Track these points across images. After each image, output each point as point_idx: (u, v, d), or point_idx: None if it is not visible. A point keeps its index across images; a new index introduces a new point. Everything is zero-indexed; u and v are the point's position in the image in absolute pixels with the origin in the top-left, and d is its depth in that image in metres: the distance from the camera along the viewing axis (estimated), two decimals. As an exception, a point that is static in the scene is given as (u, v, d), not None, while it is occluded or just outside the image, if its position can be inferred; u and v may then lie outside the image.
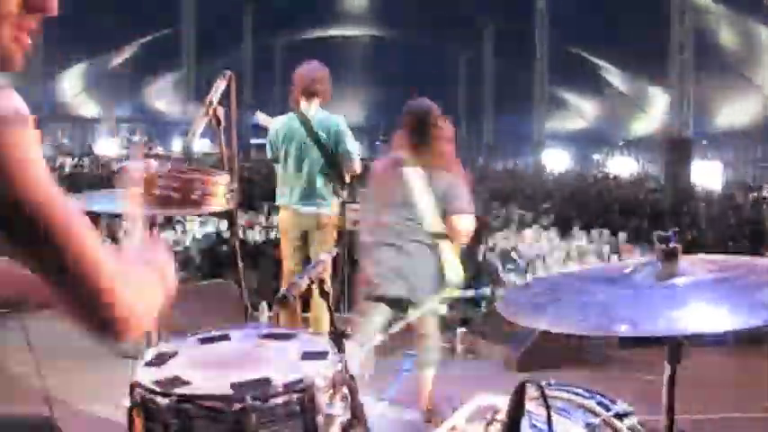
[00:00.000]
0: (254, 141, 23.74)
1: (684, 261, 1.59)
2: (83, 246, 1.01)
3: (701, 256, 1.70)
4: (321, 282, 2.08)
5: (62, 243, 0.99)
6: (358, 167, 4.83)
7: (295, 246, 4.75)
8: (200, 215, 8.55)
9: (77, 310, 1.04)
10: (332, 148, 4.68)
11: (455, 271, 3.81)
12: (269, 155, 4.93)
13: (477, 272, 6.48)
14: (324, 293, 2.12)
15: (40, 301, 1.34)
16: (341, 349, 1.93)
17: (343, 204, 4.93)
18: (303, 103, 4.74)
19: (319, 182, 4.68)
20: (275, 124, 4.84)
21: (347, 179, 4.81)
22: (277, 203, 4.84)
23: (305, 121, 4.68)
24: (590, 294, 1.59)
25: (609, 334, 1.41)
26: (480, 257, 6.94)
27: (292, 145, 4.70)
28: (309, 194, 4.68)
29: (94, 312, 1.03)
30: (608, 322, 1.46)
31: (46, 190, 0.98)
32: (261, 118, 5.16)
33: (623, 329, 1.41)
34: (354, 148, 4.78)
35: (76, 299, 1.03)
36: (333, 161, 4.69)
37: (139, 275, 1.16)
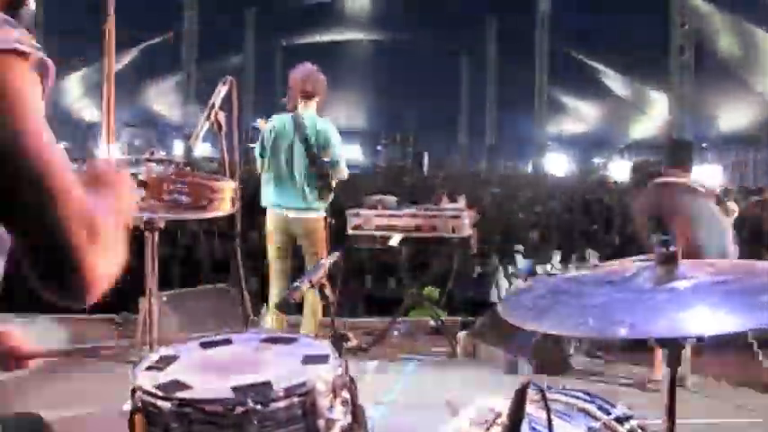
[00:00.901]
0: (254, 146, 23.72)
1: (684, 264, 1.60)
2: (67, 196, 0.99)
3: (701, 259, 1.71)
4: (321, 286, 2.09)
5: (48, 188, 0.98)
6: (344, 173, 4.83)
7: (282, 249, 4.75)
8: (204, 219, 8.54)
9: (48, 265, 1.00)
10: (319, 154, 4.69)
11: None
12: (257, 149, 4.88)
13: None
14: (324, 297, 2.13)
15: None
16: (341, 353, 1.94)
17: (342, 210, 4.94)
18: (300, 106, 4.77)
19: (307, 186, 4.68)
20: (269, 123, 4.85)
21: (333, 184, 4.82)
22: (263, 204, 4.83)
23: (298, 123, 4.70)
24: (590, 297, 1.59)
25: (609, 337, 1.41)
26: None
27: (281, 146, 4.71)
28: (297, 198, 4.67)
29: (66, 271, 1.00)
30: (608, 325, 1.47)
31: (30, 129, 0.98)
32: (262, 124, 5.16)
33: (623, 332, 1.41)
34: (341, 153, 4.79)
35: (50, 253, 0.99)
36: (318, 166, 4.69)
37: (108, 227, 1.06)
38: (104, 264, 1.03)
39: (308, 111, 4.76)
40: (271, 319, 4.68)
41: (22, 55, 1.01)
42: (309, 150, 4.66)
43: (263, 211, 4.84)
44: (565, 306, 1.62)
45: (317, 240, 4.69)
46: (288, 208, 4.69)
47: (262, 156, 4.83)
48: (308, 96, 4.75)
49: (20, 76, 1.00)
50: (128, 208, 1.29)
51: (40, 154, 0.98)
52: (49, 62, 1.07)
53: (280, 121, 4.80)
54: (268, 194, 4.77)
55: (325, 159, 4.69)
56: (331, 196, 4.85)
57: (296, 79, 4.78)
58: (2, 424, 1.55)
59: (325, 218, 4.81)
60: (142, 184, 2.77)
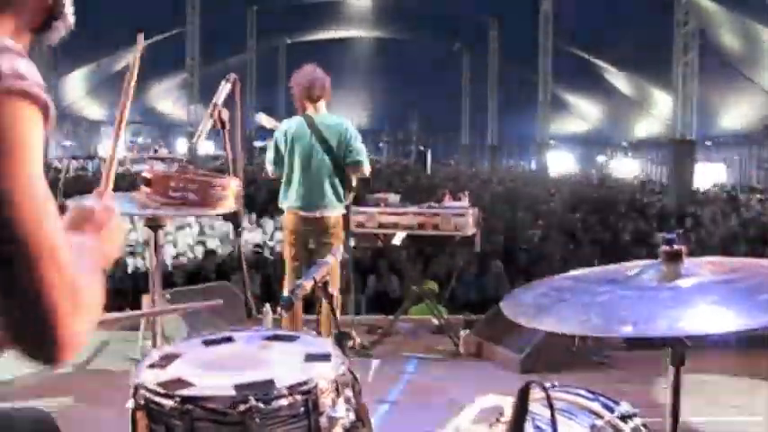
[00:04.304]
0: (258, 144, 23.79)
1: (688, 262, 1.59)
2: (54, 263, 0.92)
3: (705, 257, 1.70)
4: (325, 284, 2.09)
5: (36, 252, 0.90)
6: (367, 170, 4.83)
7: (299, 248, 4.74)
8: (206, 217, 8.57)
9: (25, 329, 0.94)
10: (339, 153, 4.69)
11: None
12: (269, 156, 4.88)
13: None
14: (327, 295, 2.12)
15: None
16: (344, 351, 1.93)
17: (347, 207, 4.94)
18: (308, 107, 4.76)
19: (326, 185, 4.68)
20: (283, 126, 4.81)
21: (354, 183, 4.83)
22: (281, 206, 4.85)
23: (312, 125, 4.68)
24: (594, 295, 1.59)
25: (612, 335, 1.41)
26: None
27: (299, 147, 4.70)
28: (315, 198, 4.67)
29: (44, 340, 0.94)
30: (611, 323, 1.46)
31: (24, 183, 0.90)
32: (263, 119, 5.15)
33: (627, 330, 1.40)
34: (363, 150, 4.79)
35: (29, 319, 0.93)
36: (339, 165, 4.70)
37: (91, 292, 1.01)
38: (82, 330, 0.97)
39: (318, 110, 4.75)
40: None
41: (30, 97, 0.92)
42: (329, 150, 4.66)
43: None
44: (568, 304, 1.61)
45: (334, 239, 4.70)
46: (308, 209, 4.67)
47: (275, 162, 4.81)
48: (313, 99, 4.74)
49: (24, 123, 0.91)
50: (113, 248, 1.24)
51: (32, 214, 0.91)
52: (51, 104, 0.96)
53: (294, 123, 4.76)
54: (287, 195, 4.75)
55: (348, 160, 4.70)
56: (351, 196, 4.88)
57: (301, 84, 4.76)
58: (10, 418, 1.54)
59: (344, 215, 4.84)
60: (146, 181, 2.77)
